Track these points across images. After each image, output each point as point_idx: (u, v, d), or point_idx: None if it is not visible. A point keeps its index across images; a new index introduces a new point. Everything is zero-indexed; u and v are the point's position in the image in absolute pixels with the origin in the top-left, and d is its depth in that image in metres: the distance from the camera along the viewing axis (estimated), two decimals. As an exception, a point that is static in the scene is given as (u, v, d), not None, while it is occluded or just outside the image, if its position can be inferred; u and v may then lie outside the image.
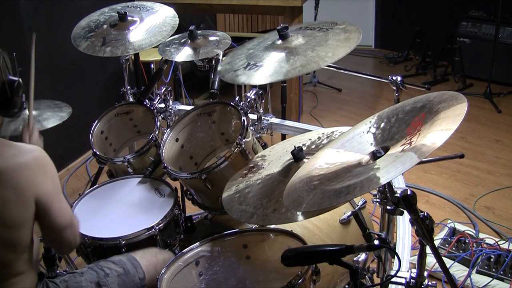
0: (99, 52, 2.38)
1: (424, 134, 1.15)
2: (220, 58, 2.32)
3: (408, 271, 1.38)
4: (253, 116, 2.36)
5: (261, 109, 2.37)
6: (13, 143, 1.47)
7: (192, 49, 2.33)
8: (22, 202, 1.41)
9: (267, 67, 1.74)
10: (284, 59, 1.74)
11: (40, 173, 1.44)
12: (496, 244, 2.62)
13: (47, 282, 1.63)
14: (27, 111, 1.88)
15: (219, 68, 1.94)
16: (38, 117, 2.38)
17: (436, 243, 2.67)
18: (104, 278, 1.69)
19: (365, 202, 1.89)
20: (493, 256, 2.53)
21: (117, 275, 1.71)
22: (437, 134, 1.11)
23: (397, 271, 1.30)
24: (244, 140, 1.93)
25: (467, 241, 2.64)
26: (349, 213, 1.92)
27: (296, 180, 1.37)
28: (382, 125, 1.35)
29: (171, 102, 2.54)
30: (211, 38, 2.38)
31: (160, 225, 1.93)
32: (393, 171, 1.11)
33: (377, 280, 1.75)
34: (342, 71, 2.33)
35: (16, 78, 1.49)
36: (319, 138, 1.91)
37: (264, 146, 2.19)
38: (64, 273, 1.86)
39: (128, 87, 2.70)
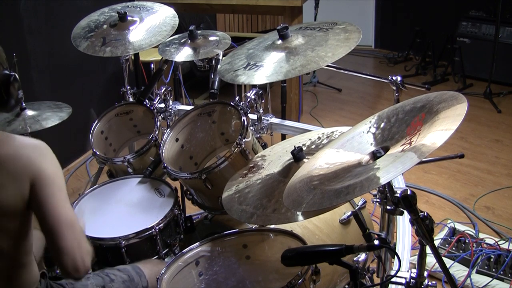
0: (99, 52, 2.38)
1: (424, 134, 1.15)
2: (220, 58, 2.32)
3: (408, 271, 1.38)
4: (253, 116, 2.36)
5: (261, 109, 2.37)
6: (17, 136, 1.47)
7: (192, 49, 2.33)
8: (18, 187, 1.39)
9: (267, 67, 1.74)
10: (284, 59, 1.74)
11: (38, 157, 1.43)
12: (496, 244, 2.62)
13: (51, 284, 1.62)
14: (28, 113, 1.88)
15: (219, 67, 1.94)
16: (38, 117, 2.38)
17: (436, 243, 2.67)
18: (110, 283, 1.70)
19: (365, 202, 1.89)
20: (493, 256, 2.53)
21: (122, 281, 1.72)
22: (437, 134, 1.11)
23: (397, 271, 1.30)
24: (244, 140, 1.93)
25: (467, 241, 2.64)
26: (349, 213, 1.92)
27: (296, 180, 1.37)
28: (382, 125, 1.35)
29: (171, 102, 2.54)
30: (211, 38, 2.38)
31: (160, 225, 1.93)
32: (393, 171, 1.11)
33: (377, 280, 1.75)
34: (342, 71, 2.33)
35: (12, 73, 1.48)
36: (319, 138, 1.91)
37: (264, 146, 2.19)
38: None
39: (128, 87, 2.70)
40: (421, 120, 1.23)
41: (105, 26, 2.50)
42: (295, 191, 1.32)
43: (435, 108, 1.22)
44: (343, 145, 1.40)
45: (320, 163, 1.37)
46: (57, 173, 1.47)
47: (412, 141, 1.16)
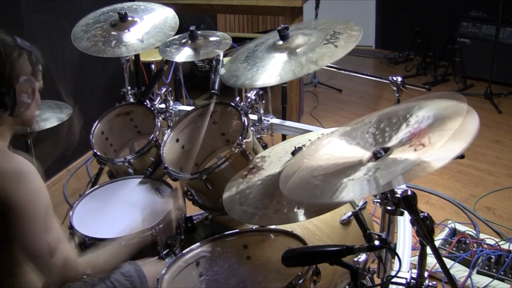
0: (99, 52, 2.37)
1: (434, 143, 1.14)
2: (221, 58, 2.32)
3: (408, 272, 1.38)
4: (253, 117, 2.36)
5: (262, 110, 2.37)
6: (4, 150, 1.44)
7: (193, 50, 2.33)
8: None
9: (269, 68, 1.74)
10: (285, 60, 1.74)
11: (15, 183, 1.37)
12: (497, 244, 2.62)
13: None
14: None
15: (221, 71, 1.94)
16: (37, 117, 2.38)
17: (437, 243, 2.66)
18: None
19: (366, 202, 1.89)
20: (493, 257, 2.53)
21: None
22: (445, 150, 1.10)
23: (397, 272, 1.30)
24: (244, 141, 1.93)
25: (467, 241, 2.64)
26: (349, 213, 1.92)
27: (296, 175, 1.37)
28: (374, 129, 1.35)
29: (171, 103, 2.54)
30: (212, 39, 2.38)
31: (160, 226, 1.93)
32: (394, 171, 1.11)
33: (377, 281, 1.75)
34: (343, 71, 2.33)
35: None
36: (318, 138, 1.91)
37: (265, 147, 2.19)
38: None
39: (129, 88, 2.70)
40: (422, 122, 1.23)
41: (105, 26, 2.50)
42: (293, 180, 1.31)
43: (440, 114, 1.23)
44: (343, 145, 1.40)
45: (321, 162, 1.37)
46: (36, 206, 1.40)
47: (425, 143, 1.15)
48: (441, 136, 1.13)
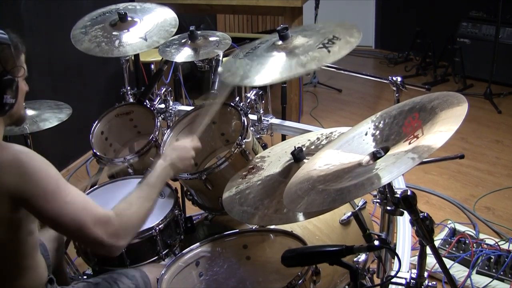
0: (98, 52, 2.37)
1: (426, 133, 1.15)
2: (220, 58, 2.32)
3: (408, 272, 1.38)
4: (253, 117, 2.36)
5: (261, 110, 2.37)
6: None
7: (192, 50, 2.33)
8: None
9: (268, 67, 1.74)
10: (285, 60, 1.74)
11: (18, 174, 1.34)
12: (496, 244, 2.62)
13: None
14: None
15: (219, 69, 1.94)
16: (36, 117, 2.38)
17: (436, 243, 2.66)
18: None
19: (365, 202, 1.89)
20: (493, 257, 2.53)
21: None
22: (438, 135, 1.11)
23: (397, 272, 1.30)
24: (244, 141, 1.93)
25: (467, 241, 2.64)
26: (349, 213, 1.92)
27: (296, 182, 1.37)
28: (371, 132, 1.35)
29: (171, 103, 2.54)
30: (211, 39, 2.38)
31: (160, 226, 1.93)
32: (395, 171, 1.11)
33: (377, 281, 1.75)
34: (343, 71, 2.33)
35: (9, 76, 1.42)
36: (318, 139, 1.91)
37: (264, 147, 2.19)
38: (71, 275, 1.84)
39: (128, 88, 2.70)
40: (416, 119, 1.23)
41: (105, 26, 2.50)
42: (295, 193, 1.32)
43: (429, 106, 1.23)
44: (342, 146, 1.40)
45: (320, 164, 1.37)
46: (46, 187, 1.37)
47: (418, 135, 1.16)
48: (433, 125, 1.13)
